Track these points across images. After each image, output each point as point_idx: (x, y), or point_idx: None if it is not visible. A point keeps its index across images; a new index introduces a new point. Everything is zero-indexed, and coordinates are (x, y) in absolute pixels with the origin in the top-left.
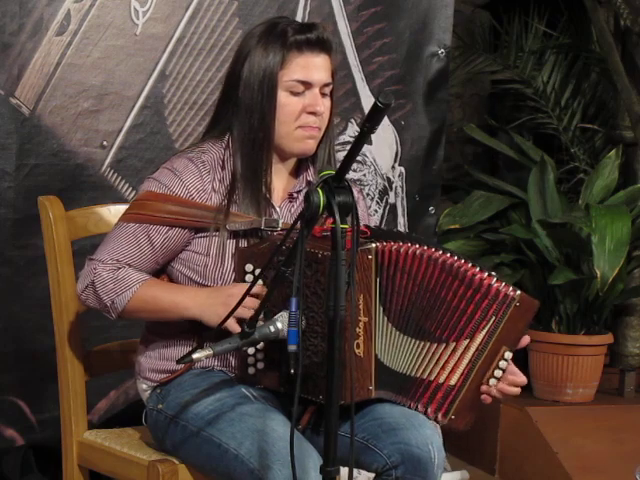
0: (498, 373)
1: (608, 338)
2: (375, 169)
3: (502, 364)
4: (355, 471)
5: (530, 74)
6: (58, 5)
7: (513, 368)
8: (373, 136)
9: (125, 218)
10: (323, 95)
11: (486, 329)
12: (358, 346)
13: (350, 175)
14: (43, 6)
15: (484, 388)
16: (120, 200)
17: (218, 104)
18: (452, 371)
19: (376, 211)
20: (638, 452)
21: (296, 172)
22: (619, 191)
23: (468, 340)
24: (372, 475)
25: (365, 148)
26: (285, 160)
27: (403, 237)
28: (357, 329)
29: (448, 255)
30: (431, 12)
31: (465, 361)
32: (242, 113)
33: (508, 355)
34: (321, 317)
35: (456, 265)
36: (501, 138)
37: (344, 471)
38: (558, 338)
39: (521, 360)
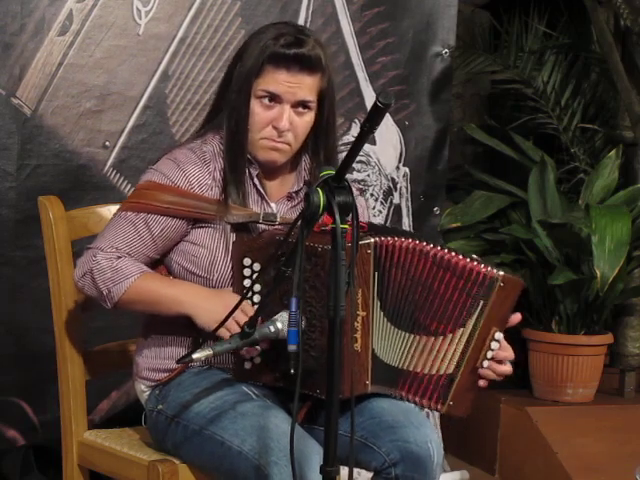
0: (490, 354)
1: (608, 338)
2: (379, 169)
3: (493, 345)
4: (355, 472)
5: (530, 74)
6: (60, 5)
7: (504, 344)
8: (377, 136)
9: (124, 207)
10: (299, 112)
11: (476, 314)
12: (355, 340)
13: (354, 175)
14: (45, 6)
15: (480, 372)
16: (122, 200)
17: (216, 97)
18: (449, 361)
19: (380, 211)
20: (638, 452)
21: (295, 171)
22: (619, 191)
23: (462, 328)
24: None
25: (369, 148)
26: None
27: (398, 232)
28: (355, 323)
29: (439, 248)
30: (435, 12)
31: (460, 348)
32: (227, 113)
33: (498, 335)
34: (319, 311)
35: (446, 257)
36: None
37: (344, 471)
38: (558, 338)
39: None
